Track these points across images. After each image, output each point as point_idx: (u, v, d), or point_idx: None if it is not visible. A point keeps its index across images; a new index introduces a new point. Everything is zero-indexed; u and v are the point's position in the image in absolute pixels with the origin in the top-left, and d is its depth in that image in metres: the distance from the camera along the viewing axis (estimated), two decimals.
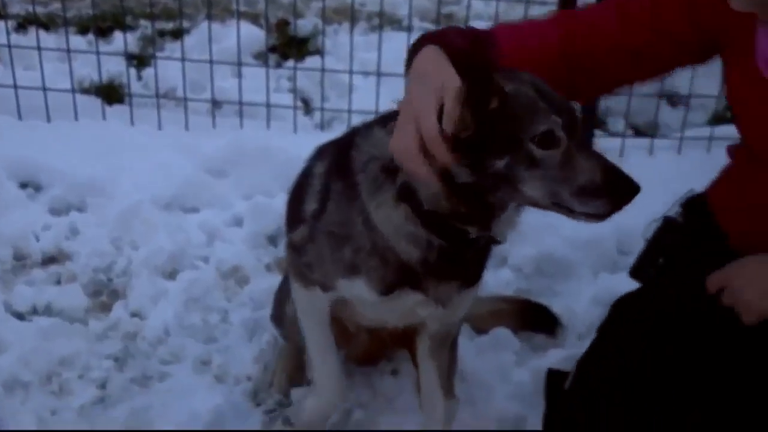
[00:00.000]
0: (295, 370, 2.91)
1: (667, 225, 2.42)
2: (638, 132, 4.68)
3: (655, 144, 4.28)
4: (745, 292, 2.08)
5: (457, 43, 2.04)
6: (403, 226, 2.09)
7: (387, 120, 2.15)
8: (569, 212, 1.90)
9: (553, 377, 2.58)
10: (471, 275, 2.28)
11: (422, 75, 1.96)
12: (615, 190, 1.85)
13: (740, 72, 2.14)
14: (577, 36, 2.19)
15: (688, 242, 2.34)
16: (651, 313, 2.29)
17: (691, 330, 2.20)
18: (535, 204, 1.94)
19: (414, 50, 2.07)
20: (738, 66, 2.15)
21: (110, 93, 4.69)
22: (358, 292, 2.25)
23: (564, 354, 2.87)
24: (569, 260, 3.53)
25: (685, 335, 2.20)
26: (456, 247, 2.10)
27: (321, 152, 2.52)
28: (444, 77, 1.90)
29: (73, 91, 4.34)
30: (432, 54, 1.99)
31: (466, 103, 1.84)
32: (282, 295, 2.83)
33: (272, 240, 3.67)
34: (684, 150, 4.22)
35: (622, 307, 2.44)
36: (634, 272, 2.43)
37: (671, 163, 4.06)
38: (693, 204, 2.40)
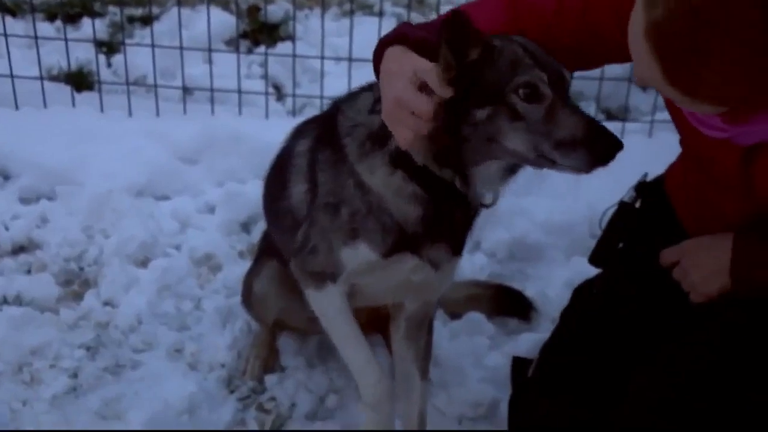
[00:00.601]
0: (268, 356, 2.92)
1: (622, 210, 2.43)
2: (610, 115, 4.70)
3: (627, 127, 4.29)
4: (692, 274, 2.12)
5: (420, 36, 2.07)
6: (401, 186, 2.14)
7: (372, 87, 2.22)
8: (552, 164, 1.92)
9: (518, 364, 2.59)
10: (458, 240, 2.30)
11: (392, 73, 2.01)
12: (596, 145, 1.86)
13: None
14: (519, 21, 2.18)
15: (644, 226, 2.35)
16: (610, 299, 2.32)
17: (649, 314, 2.22)
18: (519, 157, 1.97)
19: (377, 56, 2.12)
20: None
21: (79, 80, 4.64)
22: (362, 257, 2.26)
23: (537, 338, 2.87)
24: (542, 244, 3.54)
25: (644, 320, 2.22)
26: (447, 204, 2.14)
27: (301, 130, 2.53)
28: (413, 65, 1.96)
29: (41, 78, 4.29)
30: (396, 52, 2.04)
31: (447, 48, 1.90)
32: (250, 277, 2.85)
33: (245, 227, 3.65)
34: (654, 133, 4.24)
35: (582, 293, 2.46)
36: (593, 259, 2.44)
37: (642, 146, 4.06)
38: (647, 188, 2.41)
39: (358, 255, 2.26)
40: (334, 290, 2.38)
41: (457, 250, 2.31)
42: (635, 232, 2.40)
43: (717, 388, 2.00)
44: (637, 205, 2.42)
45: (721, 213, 2.14)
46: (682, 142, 2.32)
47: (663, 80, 1.66)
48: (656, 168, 2.46)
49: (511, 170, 2.11)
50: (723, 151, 2.00)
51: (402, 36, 2.08)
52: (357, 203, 2.21)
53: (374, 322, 2.89)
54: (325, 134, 2.31)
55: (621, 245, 2.40)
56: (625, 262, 2.36)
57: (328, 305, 2.42)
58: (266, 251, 2.83)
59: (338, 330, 2.45)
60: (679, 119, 2.13)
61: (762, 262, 2.05)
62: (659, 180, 2.42)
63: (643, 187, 2.42)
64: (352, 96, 2.32)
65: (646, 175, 2.42)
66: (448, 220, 2.20)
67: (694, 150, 2.21)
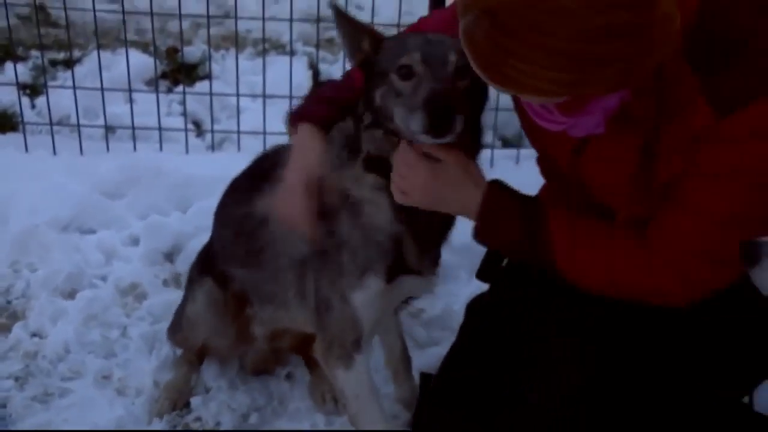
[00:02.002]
0: (180, 395, 2.85)
1: None
2: (506, 142, 4.76)
3: (521, 154, 4.36)
4: (414, 196, 2.14)
5: (319, 112, 2.29)
6: (378, 182, 2.20)
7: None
8: (410, 131, 2.01)
9: (426, 379, 2.59)
10: (439, 243, 2.39)
11: (295, 161, 2.28)
12: (429, 112, 1.93)
13: None
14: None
15: None
16: (496, 312, 2.33)
17: (533, 325, 2.24)
18: (403, 132, 2.06)
19: (291, 120, 2.33)
20: None
21: (3, 122, 4.53)
22: (372, 289, 2.26)
23: (443, 352, 2.88)
24: (448, 264, 3.55)
25: (528, 331, 2.24)
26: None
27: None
28: (311, 163, 2.24)
29: None
30: (305, 137, 2.28)
31: (343, 41, 2.13)
32: (183, 302, 2.82)
33: (168, 256, 3.60)
34: None
35: (473, 308, 2.48)
36: (480, 274, 2.43)
37: (535, 170, 4.14)
38: None
39: (367, 291, 2.26)
40: (363, 364, 2.35)
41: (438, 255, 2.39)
42: None
43: (593, 391, 2.03)
44: None
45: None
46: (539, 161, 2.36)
47: (483, 76, 1.71)
48: None
49: None
50: (559, 146, 2.04)
51: (307, 112, 2.31)
52: (352, 237, 2.24)
53: (297, 344, 2.88)
54: None
55: (505, 260, 2.41)
56: (508, 276, 2.38)
57: (360, 384, 2.36)
58: (201, 269, 2.78)
59: (369, 413, 2.39)
60: (524, 119, 2.17)
61: (500, 234, 2.11)
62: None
63: None
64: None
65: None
66: (425, 221, 2.24)
67: (540, 148, 2.25)
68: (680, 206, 1.87)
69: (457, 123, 1.94)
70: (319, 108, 2.31)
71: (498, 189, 2.11)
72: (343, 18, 2.11)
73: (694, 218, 1.85)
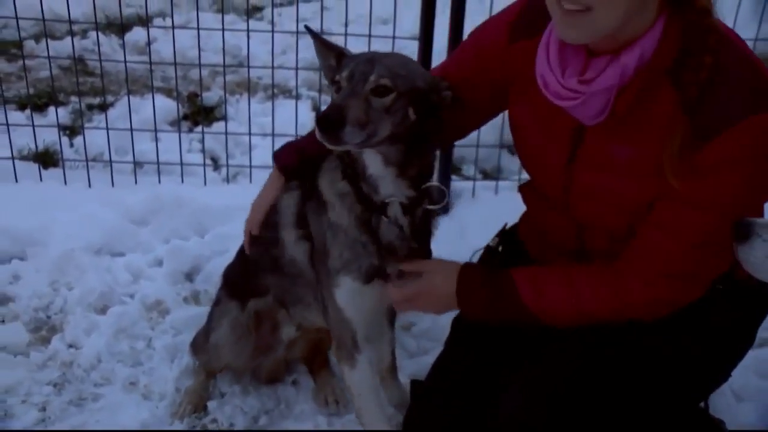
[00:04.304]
0: (198, 402, 2.81)
1: (487, 252, 2.44)
2: (486, 175, 4.76)
3: (500, 185, 4.36)
4: (425, 307, 2.20)
5: (287, 161, 2.36)
6: (347, 191, 2.16)
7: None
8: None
9: (416, 385, 2.57)
10: (420, 251, 2.26)
11: (260, 195, 2.42)
12: (317, 118, 1.91)
13: (522, 102, 2.11)
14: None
15: (504, 265, 2.34)
16: (478, 326, 2.32)
17: (512, 340, 2.21)
18: None
19: (273, 160, 2.40)
20: (520, 97, 2.11)
21: (46, 159, 4.50)
22: (346, 290, 2.21)
23: (431, 360, 2.85)
24: None
25: (507, 345, 2.22)
26: (372, 210, 2.13)
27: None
28: (267, 201, 2.39)
29: (12, 158, 4.17)
30: (271, 178, 2.40)
31: (318, 59, 2.17)
32: (208, 327, 2.76)
33: (188, 276, 3.58)
34: None
35: (458, 322, 2.46)
36: None
37: (513, 200, 4.11)
38: (507, 234, 2.43)
39: (344, 290, 2.21)
40: (364, 364, 2.31)
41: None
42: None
43: (564, 403, 1.99)
44: (500, 248, 2.43)
45: (553, 239, 2.15)
46: (524, 188, 2.34)
47: None
48: None
49: (394, 164, 2.09)
50: (553, 156, 2.01)
51: (282, 157, 2.36)
52: (328, 234, 2.19)
53: (307, 353, 2.87)
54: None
55: None
56: None
57: (362, 383, 2.33)
58: (230, 293, 2.70)
59: (371, 410, 2.36)
60: (518, 138, 2.15)
61: (477, 303, 2.10)
62: (516, 227, 2.45)
63: (503, 234, 2.44)
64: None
65: (506, 224, 2.44)
66: (396, 230, 2.16)
67: (532, 165, 2.20)
68: (658, 228, 1.84)
69: (346, 134, 1.89)
70: (289, 157, 2.35)
71: (467, 269, 2.13)
72: (315, 38, 2.14)
73: (673, 240, 1.83)
